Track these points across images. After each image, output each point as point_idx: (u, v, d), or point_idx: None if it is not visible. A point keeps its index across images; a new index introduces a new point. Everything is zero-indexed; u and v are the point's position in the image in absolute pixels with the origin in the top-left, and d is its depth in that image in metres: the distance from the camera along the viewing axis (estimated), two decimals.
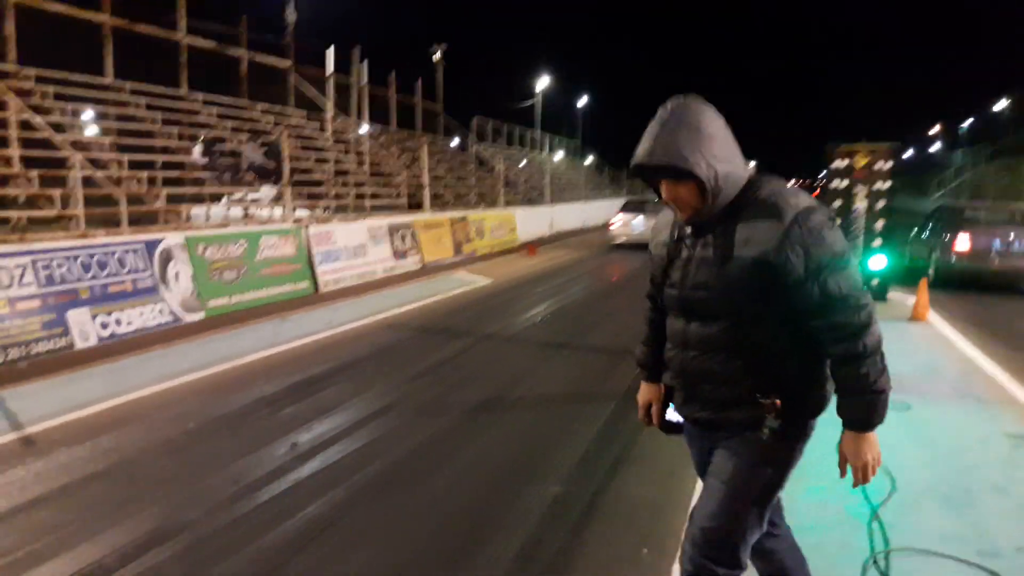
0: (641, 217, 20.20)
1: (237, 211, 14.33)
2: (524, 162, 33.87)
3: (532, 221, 24.61)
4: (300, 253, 12.40)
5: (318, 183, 16.96)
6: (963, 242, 11.47)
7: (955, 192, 41.39)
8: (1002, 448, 5.16)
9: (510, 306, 11.48)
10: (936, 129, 67.51)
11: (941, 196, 42.73)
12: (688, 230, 2.30)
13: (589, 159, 46.56)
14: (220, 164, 14.63)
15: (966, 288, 12.07)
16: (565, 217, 28.93)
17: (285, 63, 19.00)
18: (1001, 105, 46.56)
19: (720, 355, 2.26)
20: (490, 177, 27.55)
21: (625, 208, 21.66)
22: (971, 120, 56.41)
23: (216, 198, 14.37)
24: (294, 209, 14.06)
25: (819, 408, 2.30)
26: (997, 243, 11.62)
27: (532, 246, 19.93)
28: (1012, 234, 11.64)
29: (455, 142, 30.61)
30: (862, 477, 2.21)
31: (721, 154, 2.13)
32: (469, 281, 14.14)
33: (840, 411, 2.21)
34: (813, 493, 4.40)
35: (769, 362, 2.19)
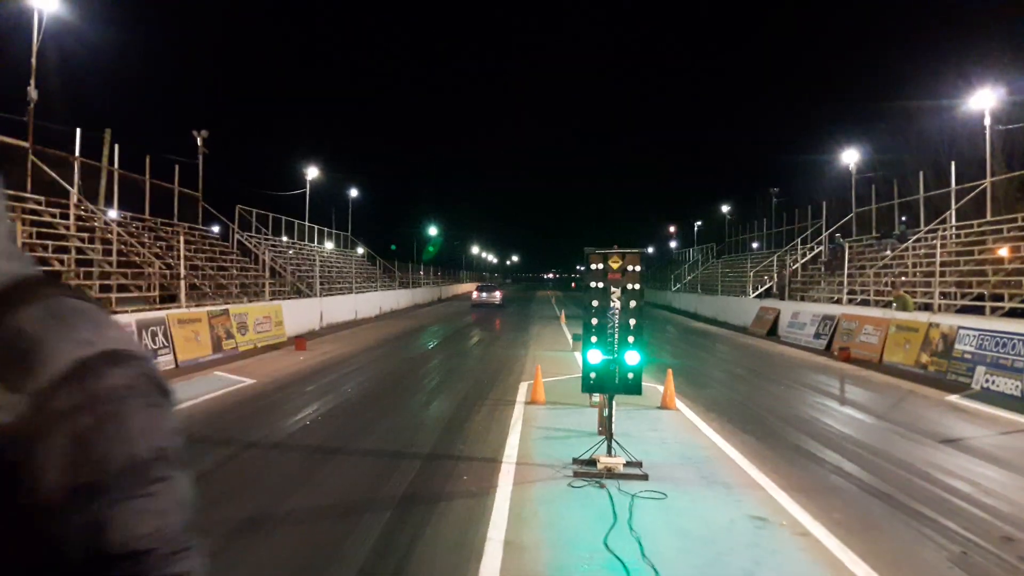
0: (484, 294, 44.74)
1: None
2: (292, 252, 32.93)
3: (301, 313, 23.84)
4: None
5: (56, 274, 15.16)
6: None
7: (690, 285, 46.53)
8: (747, 531, 5.66)
9: (276, 408, 10.87)
10: (672, 229, 76.50)
11: (679, 289, 48.03)
12: None
13: (360, 250, 46.44)
14: None
15: (705, 378, 14.68)
16: (336, 309, 28.40)
17: (23, 143, 17.03)
18: (725, 209, 53.69)
19: None
20: (254, 267, 26.39)
21: (479, 289, 46.42)
22: (700, 222, 64.32)
23: None
24: None
25: None
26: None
27: (301, 340, 19.20)
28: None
29: (216, 230, 29.11)
30: None
31: None
32: (230, 381, 13.29)
33: None
34: None
35: None
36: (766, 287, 31.50)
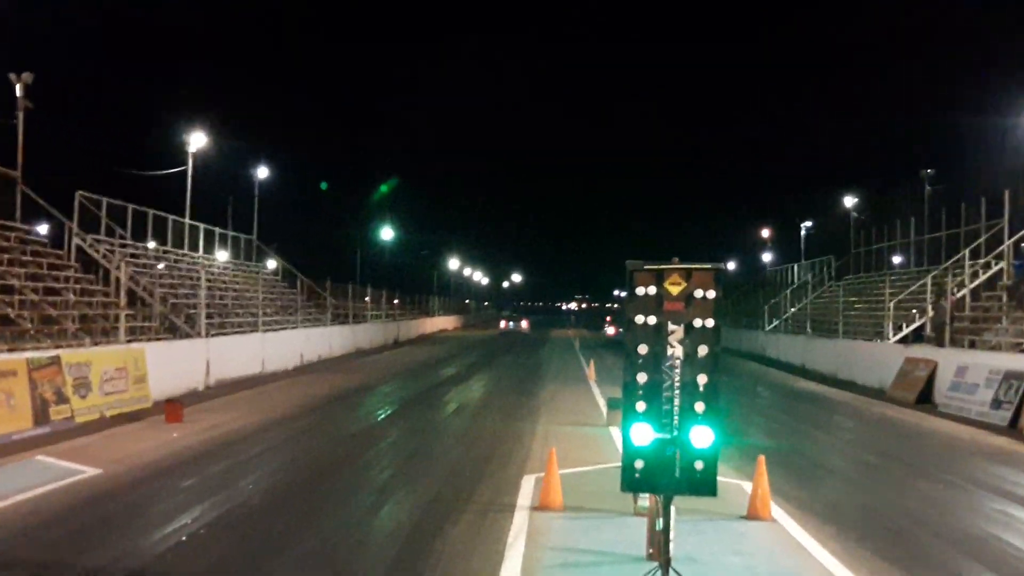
0: (512, 324, 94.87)
1: None
2: (163, 266, 32.81)
3: (176, 363, 23.73)
4: None
5: None
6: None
7: (795, 321, 45.99)
8: None
9: (134, 516, 10.75)
10: (765, 234, 75.61)
11: (776, 328, 47.45)
12: None
13: (272, 264, 46.26)
14: None
15: (819, 471, 14.85)
16: (232, 356, 28.23)
17: None
18: (849, 203, 53.18)
19: None
20: (103, 290, 26.29)
21: (506, 319, 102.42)
22: (809, 224, 63.85)
23: None
24: None
25: None
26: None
27: (175, 406, 19.01)
28: None
29: (43, 230, 29.05)
30: None
31: None
32: (61, 472, 13.14)
33: None
34: None
35: None
36: (915, 326, 31.27)
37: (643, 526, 8.98)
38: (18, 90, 25.99)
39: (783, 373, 35.67)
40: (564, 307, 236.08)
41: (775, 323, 49.36)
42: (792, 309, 48.81)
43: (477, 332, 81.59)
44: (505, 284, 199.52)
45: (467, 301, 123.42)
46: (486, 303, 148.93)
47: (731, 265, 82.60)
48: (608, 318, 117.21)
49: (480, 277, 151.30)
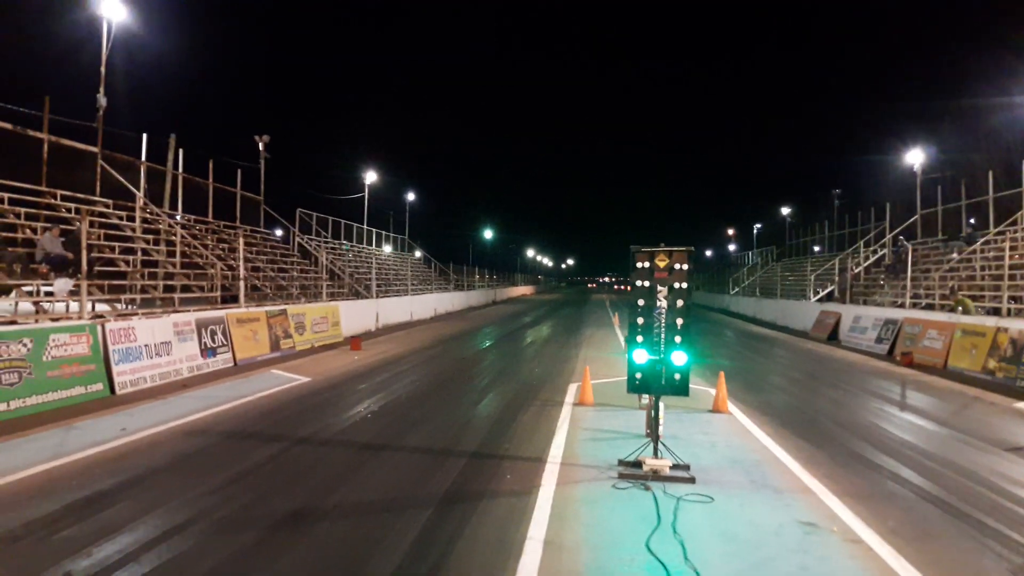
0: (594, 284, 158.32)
1: (27, 306, 12.84)
2: (349, 254, 33.40)
3: (357, 314, 24.12)
4: (95, 352, 11.28)
5: (122, 274, 15.68)
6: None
7: (749, 288, 45.45)
8: (796, 537, 5.47)
9: (329, 405, 10.93)
10: (731, 232, 74.96)
11: (737, 293, 46.96)
12: None
13: (417, 254, 46.98)
14: (8, 254, 13.07)
15: (761, 383, 14.24)
16: (392, 310, 28.65)
17: (92, 148, 17.69)
18: (785, 211, 52.25)
19: None
20: (314, 269, 26.82)
21: (592, 283, 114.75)
22: (760, 225, 62.60)
23: (4, 292, 12.86)
24: (93, 305, 12.80)
25: None
26: None
27: (356, 340, 19.41)
28: None
29: (278, 233, 29.72)
30: None
31: None
32: (285, 379, 13.40)
33: None
34: None
35: None
36: (827, 291, 30.48)
37: (643, 416, 8.99)
38: (260, 146, 26.49)
39: (741, 321, 34.96)
40: (601, 280, 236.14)
41: (736, 289, 48.33)
42: (747, 280, 47.72)
43: (545, 296, 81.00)
44: (564, 265, 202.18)
45: (539, 276, 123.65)
46: (550, 278, 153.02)
47: (707, 252, 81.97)
48: (619, 286, 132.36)
49: (546, 260, 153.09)
